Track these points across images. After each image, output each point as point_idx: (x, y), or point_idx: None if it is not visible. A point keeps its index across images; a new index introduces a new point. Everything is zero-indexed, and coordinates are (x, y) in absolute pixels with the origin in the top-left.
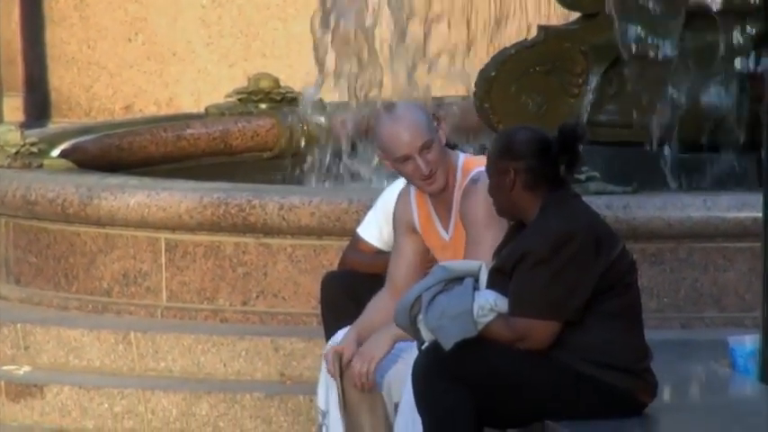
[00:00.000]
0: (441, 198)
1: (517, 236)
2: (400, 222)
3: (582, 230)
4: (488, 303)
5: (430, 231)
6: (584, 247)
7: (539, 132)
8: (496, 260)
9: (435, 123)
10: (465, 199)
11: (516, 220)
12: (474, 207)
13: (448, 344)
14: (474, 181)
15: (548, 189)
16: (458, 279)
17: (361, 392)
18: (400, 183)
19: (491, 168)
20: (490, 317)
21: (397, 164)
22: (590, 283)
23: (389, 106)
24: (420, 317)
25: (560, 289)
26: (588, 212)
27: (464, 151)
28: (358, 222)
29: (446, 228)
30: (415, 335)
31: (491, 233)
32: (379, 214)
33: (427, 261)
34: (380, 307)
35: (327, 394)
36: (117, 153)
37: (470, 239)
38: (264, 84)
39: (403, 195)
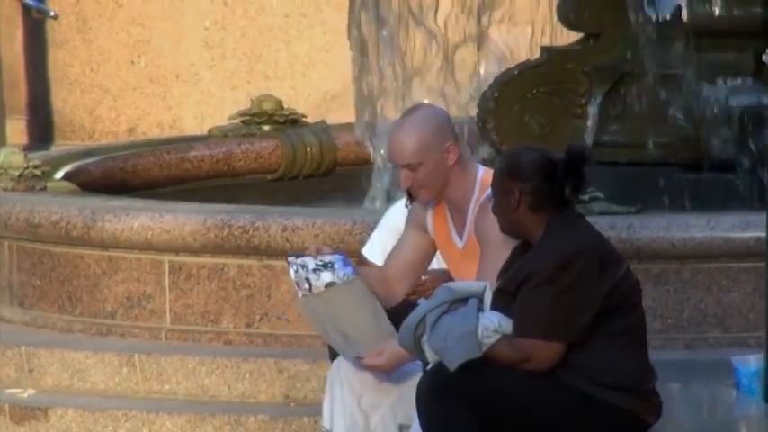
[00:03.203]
0: (457, 206)
1: (521, 256)
2: (413, 216)
3: (586, 251)
4: (492, 324)
5: (444, 237)
6: (589, 267)
7: (545, 154)
8: (501, 281)
9: (448, 143)
10: (481, 216)
11: (520, 239)
12: (490, 226)
13: (452, 365)
14: (491, 198)
15: (552, 210)
16: (462, 300)
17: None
18: (403, 202)
19: (496, 187)
20: (494, 338)
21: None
22: (595, 304)
23: (412, 109)
24: (424, 338)
25: (565, 309)
26: (593, 233)
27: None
28: (362, 243)
29: (460, 235)
30: (420, 356)
31: (505, 253)
32: (383, 234)
33: (425, 265)
34: (369, 274)
35: (332, 413)
36: (120, 175)
37: (484, 257)
38: (268, 106)
39: None
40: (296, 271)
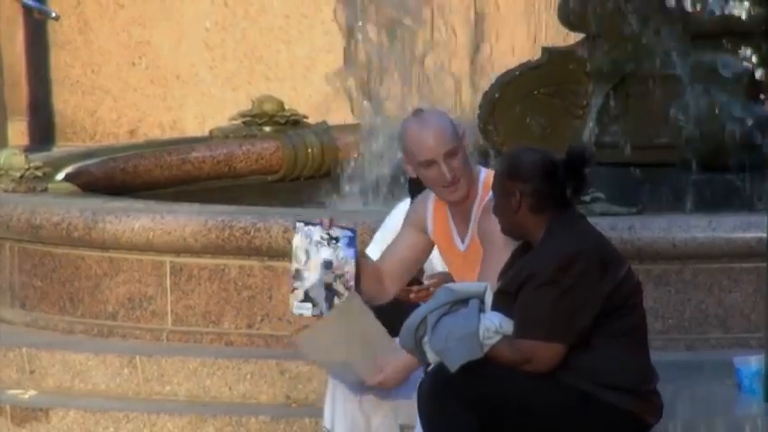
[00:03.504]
0: (459, 209)
1: (522, 257)
2: (411, 217)
3: (587, 252)
4: (494, 325)
5: (445, 240)
6: (590, 268)
7: (546, 155)
8: (502, 282)
9: (461, 130)
10: (485, 217)
11: (521, 240)
12: (494, 226)
13: (453, 366)
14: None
15: (553, 211)
16: (463, 301)
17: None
18: (406, 203)
19: (497, 189)
20: (495, 339)
21: (421, 168)
22: (596, 305)
23: (417, 111)
24: (425, 339)
25: (566, 311)
26: (594, 234)
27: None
28: (363, 244)
29: (462, 238)
30: (421, 357)
31: (508, 255)
32: (386, 234)
33: (419, 265)
34: (363, 267)
35: (333, 414)
36: (121, 176)
37: (487, 258)
38: (268, 107)
39: (422, 198)
40: (299, 238)
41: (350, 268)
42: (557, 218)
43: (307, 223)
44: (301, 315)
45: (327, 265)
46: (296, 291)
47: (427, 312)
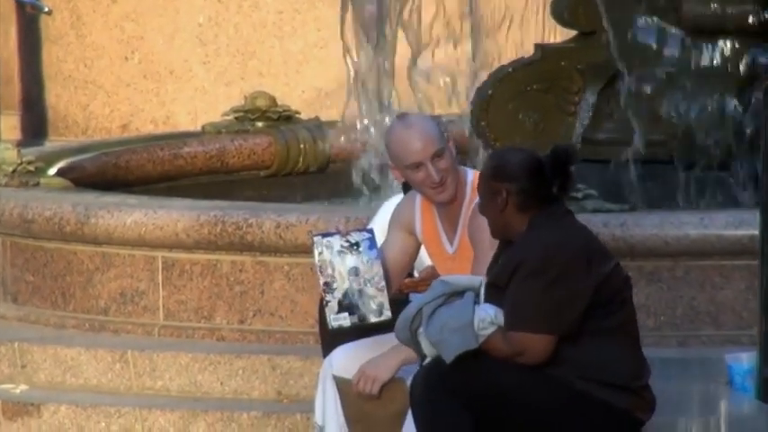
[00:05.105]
0: (448, 210)
1: (506, 250)
2: (398, 220)
3: (571, 241)
4: (488, 316)
5: (434, 242)
6: (575, 257)
7: (531, 154)
8: (490, 275)
9: (446, 132)
10: (475, 217)
11: (507, 239)
12: (483, 227)
13: (449, 356)
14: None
15: (539, 210)
16: (458, 293)
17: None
18: (398, 197)
19: (483, 189)
20: (490, 330)
21: (408, 171)
22: (584, 296)
23: (401, 115)
24: (421, 330)
25: (553, 302)
26: (578, 227)
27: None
28: None
29: (451, 241)
30: (416, 348)
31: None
32: (377, 229)
33: (411, 265)
34: None
35: (324, 408)
36: (114, 171)
37: (477, 258)
38: (261, 102)
39: (408, 200)
40: (320, 253)
41: (377, 269)
42: (540, 213)
43: (324, 235)
44: (340, 327)
45: (355, 272)
46: (329, 304)
47: (422, 304)
